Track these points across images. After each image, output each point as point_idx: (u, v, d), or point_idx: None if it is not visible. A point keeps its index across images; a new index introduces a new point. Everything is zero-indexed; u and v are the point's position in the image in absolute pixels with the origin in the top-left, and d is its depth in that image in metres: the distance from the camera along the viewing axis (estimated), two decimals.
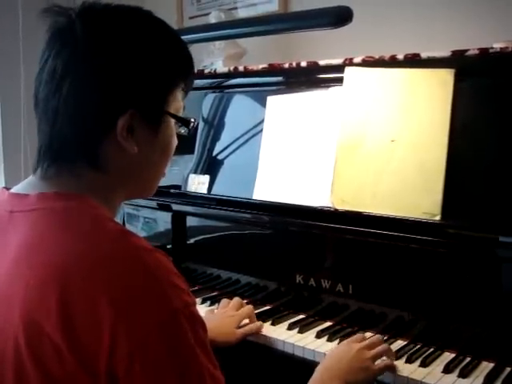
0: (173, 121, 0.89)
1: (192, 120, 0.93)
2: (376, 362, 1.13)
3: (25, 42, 2.66)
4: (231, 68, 1.78)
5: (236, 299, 1.45)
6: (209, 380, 0.75)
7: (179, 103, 0.90)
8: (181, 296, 0.75)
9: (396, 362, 1.17)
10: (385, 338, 1.29)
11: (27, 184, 0.86)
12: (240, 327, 1.36)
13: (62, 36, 0.82)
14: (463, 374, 1.13)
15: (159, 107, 0.86)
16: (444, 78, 1.28)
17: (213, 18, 2.31)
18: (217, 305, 1.49)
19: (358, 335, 1.22)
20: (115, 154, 0.84)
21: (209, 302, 1.56)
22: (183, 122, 0.91)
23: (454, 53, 1.30)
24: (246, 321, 1.40)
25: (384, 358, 1.15)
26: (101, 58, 0.80)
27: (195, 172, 1.76)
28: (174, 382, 0.73)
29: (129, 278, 0.73)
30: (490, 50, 1.25)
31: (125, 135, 0.82)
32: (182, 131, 0.93)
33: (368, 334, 1.31)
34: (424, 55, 1.35)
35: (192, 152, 1.78)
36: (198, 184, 1.73)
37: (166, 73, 0.86)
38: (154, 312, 0.72)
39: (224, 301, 1.46)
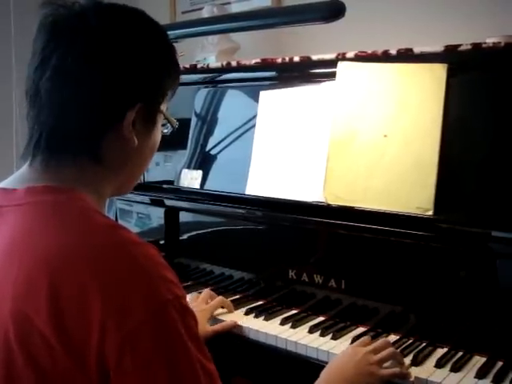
0: (160, 120, 0.92)
1: (176, 122, 0.97)
2: (385, 365, 1.10)
3: (17, 40, 2.64)
4: (224, 63, 1.77)
5: (206, 291, 1.47)
6: (201, 372, 0.75)
7: (166, 104, 0.93)
8: (170, 288, 0.75)
9: None
10: (377, 333, 1.30)
11: (17, 178, 0.85)
12: (215, 319, 1.39)
13: (69, 29, 0.81)
14: (455, 369, 1.13)
15: (158, 105, 0.89)
16: (437, 73, 1.28)
17: (206, 13, 2.30)
18: (208, 301, 1.49)
19: (364, 338, 1.19)
20: (116, 147, 0.85)
21: None
22: (171, 122, 0.95)
23: (447, 48, 1.30)
24: (222, 310, 1.42)
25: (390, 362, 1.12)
26: (113, 52, 0.81)
27: (188, 167, 1.75)
28: (165, 375, 0.72)
29: (117, 270, 0.73)
30: (483, 45, 1.25)
31: (130, 128, 0.84)
32: (165, 131, 0.96)
33: (359, 330, 1.32)
34: (417, 50, 1.34)
35: (185, 147, 1.78)
36: (191, 179, 1.73)
37: (167, 72, 0.89)
38: (143, 304, 0.72)
39: (193, 294, 1.48)
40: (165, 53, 0.89)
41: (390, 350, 1.13)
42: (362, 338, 1.19)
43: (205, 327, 1.33)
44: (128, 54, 0.82)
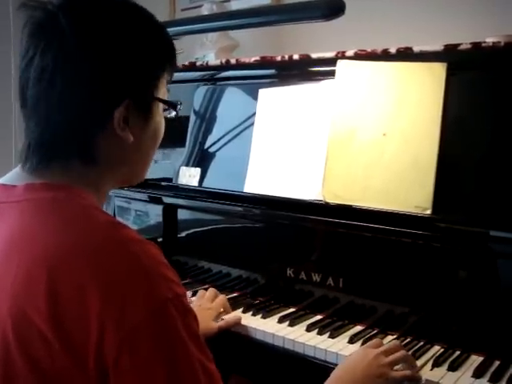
0: (161, 105, 0.89)
1: (178, 102, 0.93)
2: (396, 367, 1.08)
3: (16, 40, 2.64)
4: (223, 60, 1.77)
5: (211, 290, 1.46)
6: (201, 373, 0.74)
7: (165, 88, 0.90)
8: (171, 287, 0.75)
9: None
10: (375, 331, 1.30)
11: (15, 175, 0.85)
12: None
13: (45, 31, 0.79)
14: (453, 368, 1.13)
15: (150, 94, 0.86)
16: (436, 72, 1.28)
17: (205, 10, 2.30)
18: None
19: (376, 340, 1.16)
20: (109, 146, 0.83)
21: None
22: (172, 106, 0.91)
23: (447, 47, 1.30)
24: (221, 310, 1.41)
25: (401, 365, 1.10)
26: (91, 51, 0.78)
27: (186, 165, 1.75)
28: (164, 374, 0.72)
29: (117, 268, 0.72)
30: (483, 45, 1.25)
31: (122, 126, 0.82)
32: (169, 115, 0.93)
33: (357, 328, 1.32)
34: (416, 49, 1.34)
35: (183, 145, 1.77)
36: (189, 177, 1.72)
37: (155, 60, 0.86)
38: (143, 302, 0.71)
39: (200, 292, 1.47)
40: (149, 41, 0.84)
41: (402, 352, 1.10)
42: (374, 340, 1.17)
43: (211, 325, 1.32)
44: (104, 53, 0.79)
